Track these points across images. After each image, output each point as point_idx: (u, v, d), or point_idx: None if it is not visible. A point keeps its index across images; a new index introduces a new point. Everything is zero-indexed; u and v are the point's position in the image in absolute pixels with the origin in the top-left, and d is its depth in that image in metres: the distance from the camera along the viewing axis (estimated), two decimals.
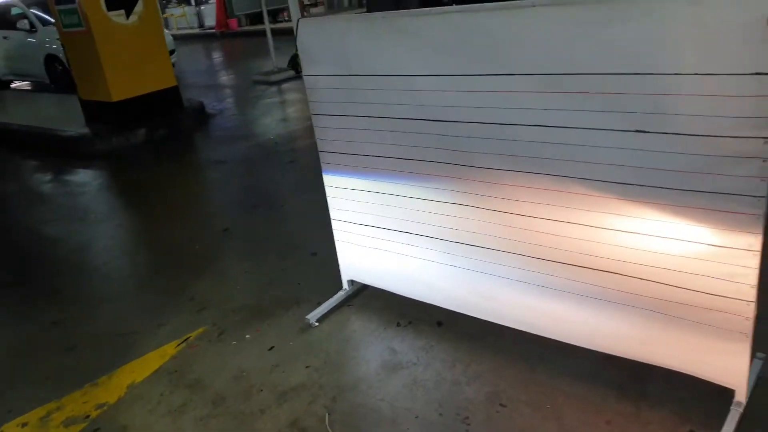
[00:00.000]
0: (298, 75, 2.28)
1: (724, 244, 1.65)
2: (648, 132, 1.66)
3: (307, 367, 2.28)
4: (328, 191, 2.59)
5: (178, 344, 2.53)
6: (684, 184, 1.65)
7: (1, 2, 10.17)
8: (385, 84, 2.18)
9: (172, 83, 6.33)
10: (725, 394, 1.77)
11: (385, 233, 2.46)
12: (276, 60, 8.62)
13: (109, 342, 2.64)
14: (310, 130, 5.70)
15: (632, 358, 1.93)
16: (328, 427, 1.95)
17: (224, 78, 10.04)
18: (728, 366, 1.78)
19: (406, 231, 2.39)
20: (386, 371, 2.19)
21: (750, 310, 1.66)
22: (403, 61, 2.09)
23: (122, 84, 5.85)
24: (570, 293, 1.99)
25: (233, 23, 16.77)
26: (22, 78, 10.15)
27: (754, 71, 1.44)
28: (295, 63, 2.08)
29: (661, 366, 1.88)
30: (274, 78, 8.43)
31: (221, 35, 16.50)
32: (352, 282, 2.73)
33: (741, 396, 1.79)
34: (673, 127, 1.61)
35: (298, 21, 2.34)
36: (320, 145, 2.51)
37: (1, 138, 6.58)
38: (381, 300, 2.61)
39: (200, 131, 6.31)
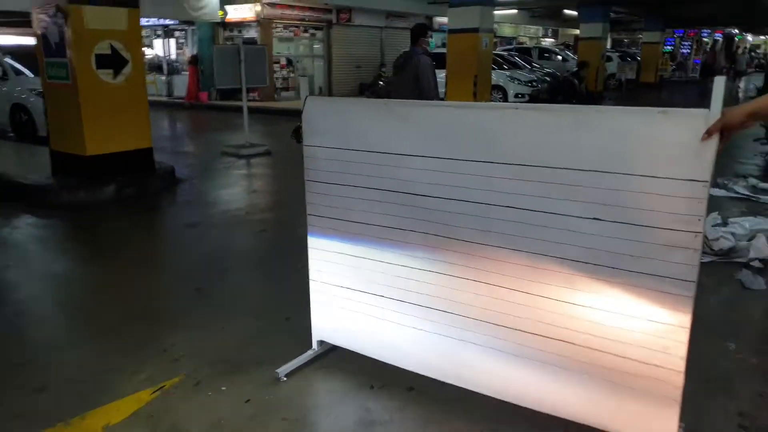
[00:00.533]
0: (299, 143, 2.61)
1: (661, 320, 1.95)
2: (602, 220, 1.99)
3: (283, 419, 2.38)
4: (311, 253, 2.79)
5: (154, 391, 2.58)
6: (630, 266, 1.97)
7: None
8: (378, 160, 2.47)
9: (147, 144, 6.51)
10: None
11: (361, 296, 2.66)
12: (248, 135, 8.98)
13: (81, 385, 2.66)
14: (279, 204, 6.01)
15: (583, 422, 2.16)
16: None
17: (193, 147, 10.27)
18: (661, 429, 2.02)
19: (382, 295, 2.60)
20: (362, 427, 2.32)
21: (680, 380, 1.94)
22: (398, 142, 2.39)
23: (99, 139, 6.00)
24: (532, 360, 2.23)
25: (203, 96, 17.25)
26: None
27: (688, 178, 1.82)
28: (298, 134, 2.38)
29: (607, 430, 2.12)
30: (244, 152, 8.73)
31: (190, 106, 16.90)
32: (321, 342, 2.89)
33: None
34: (623, 217, 1.95)
35: (306, 98, 2.66)
36: (309, 209, 2.74)
37: None
38: (352, 363, 2.76)
39: (170, 194, 6.44)
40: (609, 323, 2.05)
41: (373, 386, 2.60)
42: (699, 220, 1.84)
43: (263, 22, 17.70)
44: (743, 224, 4.43)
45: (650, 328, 1.97)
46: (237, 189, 7.00)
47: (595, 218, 2.01)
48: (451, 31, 12.66)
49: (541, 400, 2.26)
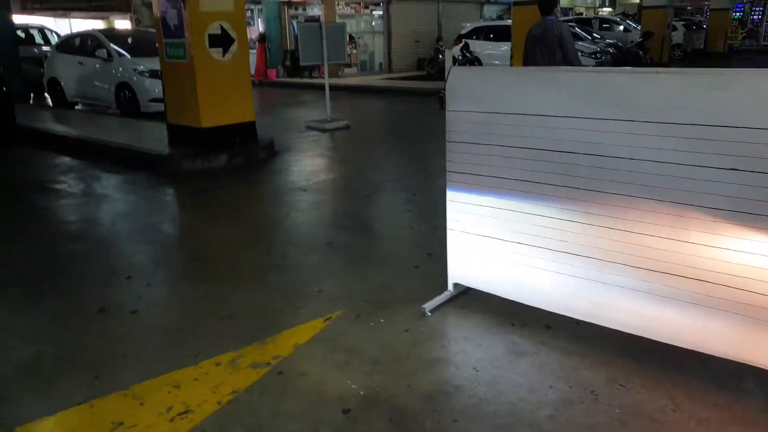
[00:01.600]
0: (442, 109, 3.00)
1: None
2: (740, 170, 2.24)
3: (443, 346, 2.77)
4: (450, 205, 3.12)
5: (324, 320, 3.02)
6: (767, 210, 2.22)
7: (81, 33, 11.17)
8: (519, 121, 2.78)
9: (251, 118, 7.01)
10: None
11: (498, 243, 2.98)
12: (330, 110, 9.39)
13: (259, 314, 3.13)
14: (373, 171, 6.42)
15: (726, 357, 2.39)
16: (476, 386, 2.44)
17: (276, 121, 10.68)
18: None
19: (518, 242, 2.90)
20: (513, 355, 2.67)
21: None
22: (541, 103, 2.68)
23: (212, 113, 6.53)
24: (672, 299, 2.48)
25: (272, 74, 17.82)
26: (89, 101, 10.89)
27: None
28: (442, 101, 2.72)
29: (748, 363, 2.35)
30: (327, 126, 9.16)
31: (259, 83, 17.47)
32: (456, 285, 3.24)
33: None
34: (760, 167, 2.19)
35: (450, 68, 2.98)
36: (449, 166, 3.07)
37: (96, 153, 7.20)
38: (486, 304, 3.10)
39: (274, 163, 6.93)
40: (748, 263, 2.30)
41: (514, 324, 2.95)
42: None
43: (326, 0, 18.06)
44: None
45: None
46: (331, 159, 7.44)
47: (732, 168, 2.26)
48: (516, 3, 12.66)
49: (680, 335, 2.51)
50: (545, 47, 5.84)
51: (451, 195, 3.14)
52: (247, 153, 6.81)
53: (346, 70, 18.51)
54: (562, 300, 2.86)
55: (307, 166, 6.92)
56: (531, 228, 2.88)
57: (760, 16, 26.36)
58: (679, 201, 2.42)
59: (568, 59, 5.81)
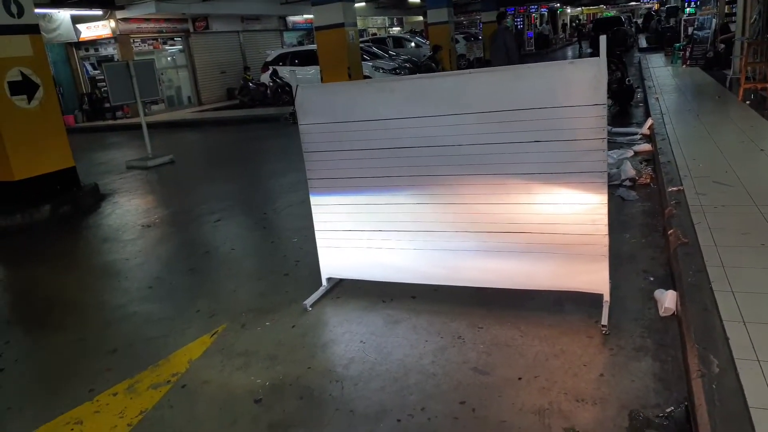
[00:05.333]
0: (294, 124, 3.21)
1: (589, 202, 2.90)
2: (542, 141, 2.91)
3: (329, 330, 3.07)
4: (314, 209, 3.46)
5: (211, 335, 3.13)
6: (565, 169, 2.88)
7: None
8: (365, 126, 3.21)
9: (71, 164, 6.59)
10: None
11: (361, 234, 3.38)
12: (150, 147, 9.08)
13: (144, 343, 3.14)
14: (214, 198, 6.40)
15: (550, 289, 3.06)
16: (366, 354, 2.78)
17: (94, 165, 9.95)
18: (598, 279, 2.98)
19: (378, 230, 3.34)
20: (390, 324, 3.07)
21: (606, 241, 2.91)
22: (381, 109, 3.14)
23: (25, 164, 6.04)
24: (504, 252, 3.09)
25: (69, 120, 16.41)
26: None
27: (593, 103, 2.77)
28: (293, 116, 2.94)
29: (564, 290, 3.04)
30: (151, 163, 8.86)
31: None
32: (329, 279, 3.57)
33: (606, 296, 2.98)
34: (556, 136, 2.86)
35: (297, 86, 3.31)
36: (309, 174, 3.40)
37: None
38: (357, 290, 3.49)
39: (105, 206, 6.55)
40: (557, 212, 2.95)
41: (384, 300, 3.35)
42: (603, 129, 2.80)
43: (121, 38, 17.22)
44: (612, 155, 5.70)
45: (583, 209, 2.91)
46: (165, 193, 7.27)
47: (536, 141, 2.92)
48: (318, 28, 13.20)
49: (515, 279, 3.13)
50: (496, 48, 9.15)
51: (314, 200, 3.46)
52: (73, 200, 6.40)
53: (154, 107, 17.75)
54: (421, 271, 3.33)
55: (143, 203, 6.69)
56: (387, 216, 3.31)
57: (521, 26, 30.72)
58: (499, 172, 3.02)
59: (510, 58, 8.84)
